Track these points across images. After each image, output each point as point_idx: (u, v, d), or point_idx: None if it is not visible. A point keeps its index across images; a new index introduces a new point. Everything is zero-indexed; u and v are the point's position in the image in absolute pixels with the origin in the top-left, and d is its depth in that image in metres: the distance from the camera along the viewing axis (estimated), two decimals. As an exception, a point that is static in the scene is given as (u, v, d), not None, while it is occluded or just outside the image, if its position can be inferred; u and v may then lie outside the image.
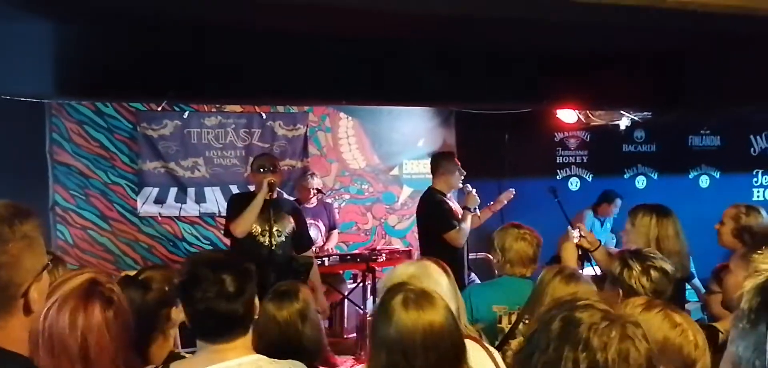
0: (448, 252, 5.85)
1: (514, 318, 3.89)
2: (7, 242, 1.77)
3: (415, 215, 7.35)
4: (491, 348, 3.06)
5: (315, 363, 3.14)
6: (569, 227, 5.05)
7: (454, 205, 6.70)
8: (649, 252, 3.58)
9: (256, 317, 2.61)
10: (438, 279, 2.94)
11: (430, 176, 6.81)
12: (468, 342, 2.65)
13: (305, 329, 3.18)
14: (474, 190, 6.63)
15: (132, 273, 3.03)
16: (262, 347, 2.71)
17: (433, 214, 6.55)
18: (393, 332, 2.33)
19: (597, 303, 1.64)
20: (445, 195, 6.62)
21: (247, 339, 2.51)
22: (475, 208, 6.69)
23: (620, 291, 3.31)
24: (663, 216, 4.44)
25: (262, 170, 5.91)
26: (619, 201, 9.06)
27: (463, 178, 6.74)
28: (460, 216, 6.49)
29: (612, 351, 1.50)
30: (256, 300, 2.56)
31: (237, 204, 5.89)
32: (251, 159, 6.74)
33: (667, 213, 4.48)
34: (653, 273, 3.33)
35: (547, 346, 1.56)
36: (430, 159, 7.17)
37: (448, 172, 6.62)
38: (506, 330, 3.83)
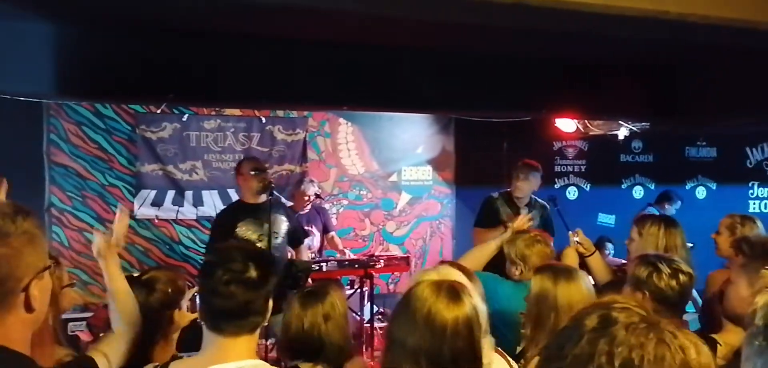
0: None
1: None
2: (9, 235, 1.76)
3: (412, 222, 7.35)
4: (514, 364, 3.07)
5: (339, 363, 3.16)
6: (570, 233, 5.06)
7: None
8: (671, 256, 3.63)
9: (266, 323, 2.57)
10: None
11: (429, 183, 6.82)
12: (495, 356, 2.65)
13: (329, 330, 3.18)
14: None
15: (136, 273, 3.04)
16: (285, 343, 2.70)
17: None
18: (420, 319, 2.31)
19: (635, 307, 1.65)
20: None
21: (251, 340, 2.48)
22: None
23: (647, 293, 3.32)
24: (671, 227, 4.45)
25: (254, 173, 5.94)
26: (678, 202, 9.29)
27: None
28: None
29: (648, 352, 1.50)
30: (270, 303, 2.53)
31: (221, 227, 5.94)
32: (237, 164, 6.61)
33: (675, 224, 4.49)
34: (681, 276, 3.37)
35: (579, 339, 1.57)
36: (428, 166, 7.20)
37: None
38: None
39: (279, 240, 5.91)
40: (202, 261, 2.63)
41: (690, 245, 4.58)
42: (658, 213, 4.74)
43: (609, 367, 1.49)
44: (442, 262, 3.87)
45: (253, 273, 2.42)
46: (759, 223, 4.98)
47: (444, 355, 2.28)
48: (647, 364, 1.48)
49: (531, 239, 4.41)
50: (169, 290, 2.91)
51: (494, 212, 6.66)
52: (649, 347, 1.50)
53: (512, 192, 6.70)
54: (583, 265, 4.82)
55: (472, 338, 2.36)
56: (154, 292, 2.89)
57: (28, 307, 1.81)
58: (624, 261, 6.32)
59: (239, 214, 6.10)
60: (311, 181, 8.05)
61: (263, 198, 5.98)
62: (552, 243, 4.57)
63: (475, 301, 2.46)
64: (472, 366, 2.37)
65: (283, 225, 6.03)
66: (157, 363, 2.61)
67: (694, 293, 6.98)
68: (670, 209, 9.16)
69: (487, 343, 2.74)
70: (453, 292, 2.39)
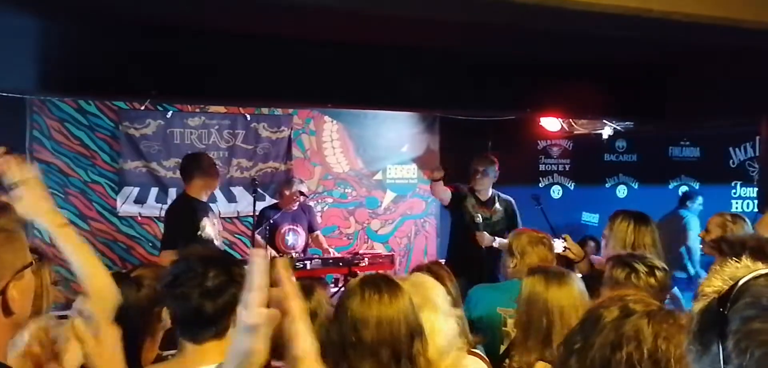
0: None
1: None
2: None
3: (397, 220, 7.45)
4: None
5: None
6: (553, 236, 5.06)
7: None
8: (644, 253, 3.71)
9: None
10: (429, 295, 2.83)
11: (414, 181, 6.93)
12: (470, 358, 2.64)
13: (313, 329, 3.16)
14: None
15: (123, 270, 3.01)
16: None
17: None
18: (346, 315, 2.42)
19: (649, 299, 1.83)
20: None
21: (223, 344, 2.44)
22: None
23: None
24: (641, 224, 4.47)
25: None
26: (699, 199, 9.52)
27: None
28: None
29: (671, 334, 1.61)
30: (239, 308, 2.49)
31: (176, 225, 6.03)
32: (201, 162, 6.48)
33: (646, 222, 4.50)
34: (658, 272, 3.44)
35: (602, 329, 1.69)
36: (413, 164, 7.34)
37: None
38: (512, 333, 3.80)
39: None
40: (165, 272, 2.58)
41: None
42: (632, 210, 4.71)
43: (637, 353, 1.66)
44: (416, 269, 3.87)
45: (214, 279, 2.41)
46: (748, 223, 5.00)
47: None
48: (675, 349, 1.58)
49: (537, 239, 4.43)
50: (157, 287, 2.90)
51: (460, 200, 7.11)
52: (672, 331, 1.61)
53: (473, 188, 6.93)
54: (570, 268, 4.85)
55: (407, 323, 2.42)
56: (142, 288, 2.87)
57: (6, 310, 1.70)
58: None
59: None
60: (300, 181, 8.01)
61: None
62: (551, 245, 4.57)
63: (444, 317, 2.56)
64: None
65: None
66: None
67: (676, 291, 7.06)
68: (692, 207, 9.29)
69: (457, 346, 2.74)
70: (380, 287, 2.45)
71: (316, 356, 1.50)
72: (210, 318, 2.40)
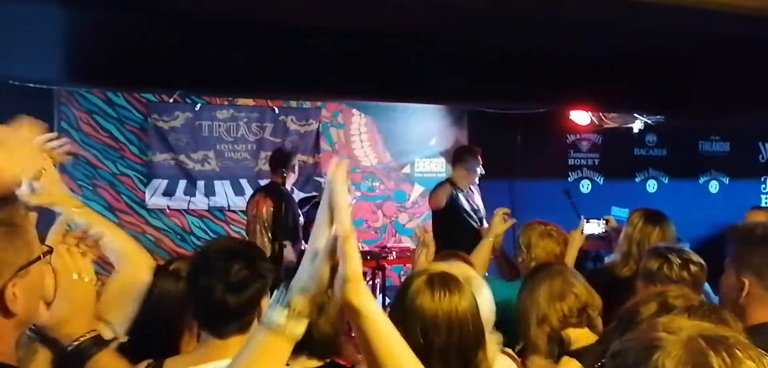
0: None
1: None
2: None
3: (425, 214, 7.38)
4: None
5: (327, 356, 3.10)
6: (582, 218, 5.01)
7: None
8: (681, 246, 3.67)
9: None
10: (480, 289, 2.73)
11: (442, 174, 6.86)
12: (501, 356, 2.60)
13: (319, 322, 3.13)
14: None
15: (161, 262, 3.00)
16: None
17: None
18: (415, 312, 2.26)
19: (690, 294, 1.76)
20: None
21: (244, 340, 2.42)
22: None
23: (658, 285, 3.28)
24: (651, 223, 4.31)
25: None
26: None
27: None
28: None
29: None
30: (264, 297, 2.44)
31: None
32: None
33: (658, 222, 4.34)
34: (692, 266, 3.37)
35: (639, 325, 1.64)
36: (444, 157, 7.28)
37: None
38: None
39: None
40: (187, 267, 2.56)
41: (681, 242, 4.49)
42: (649, 209, 4.57)
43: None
44: (450, 255, 3.82)
45: (238, 273, 2.37)
46: None
47: (436, 348, 2.25)
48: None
49: (545, 231, 4.35)
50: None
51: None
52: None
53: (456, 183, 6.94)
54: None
55: (474, 325, 2.32)
56: (180, 281, 2.85)
57: (5, 311, 1.55)
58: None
59: None
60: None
61: None
62: (565, 239, 4.48)
63: (476, 293, 2.42)
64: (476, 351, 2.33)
65: None
66: (150, 361, 2.54)
67: (708, 287, 6.96)
68: None
69: (494, 342, 2.68)
70: (447, 283, 2.33)
71: (362, 277, 1.41)
72: (233, 313, 2.38)
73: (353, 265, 1.36)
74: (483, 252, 4.62)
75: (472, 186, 7.14)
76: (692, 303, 1.74)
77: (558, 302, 3.18)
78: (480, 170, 7.07)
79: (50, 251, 1.78)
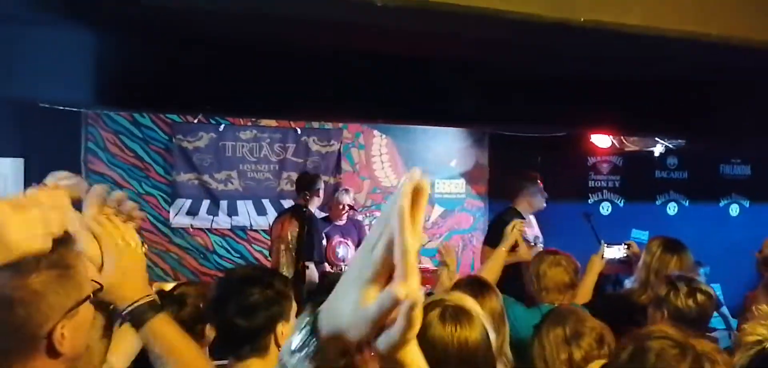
0: None
1: None
2: (28, 274, 1.48)
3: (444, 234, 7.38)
4: None
5: None
6: (602, 243, 5.04)
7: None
8: (694, 276, 3.69)
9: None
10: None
11: (461, 196, 6.86)
12: None
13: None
14: None
15: (166, 286, 3.05)
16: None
17: None
18: (426, 344, 2.30)
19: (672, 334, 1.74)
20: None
21: (265, 364, 2.48)
22: None
23: (666, 311, 3.33)
24: (668, 252, 4.34)
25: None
26: None
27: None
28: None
29: None
30: (280, 321, 2.51)
31: None
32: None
33: (676, 250, 4.37)
34: (699, 296, 3.40)
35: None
36: (464, 178, 7.26)
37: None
38: None
39: None
40: (210, 290, 2.63)
41: (702, 268, 4.50)
42: (668, 237, 4.59)
43: None
44: (456, 285, 3.82)
45: (250, 297, 2.45)
46: None
47: None
48: None
49: (554, 261, 4.37)
50: (201, 304, 2.93)
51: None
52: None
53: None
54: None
55: (485, 359, 2.36)
56: (185, 307, 2.91)
57: (52, 352, 1.53)
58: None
59: None
60: (345, 190, 8.06)
61: None
62: (575, 267, 4.48)
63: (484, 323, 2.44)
64: None
65: None
66: None
67: (725, 310, 6.94)
68: None
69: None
70: (459, 316, 2.36)
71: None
72: (245, 335, 2.46)
73: (415, 330, 1.00)
74: (496, 262, 4.69)
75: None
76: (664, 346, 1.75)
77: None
78: (544, 195, 7.11)
79: (100, 288, 1.79)
